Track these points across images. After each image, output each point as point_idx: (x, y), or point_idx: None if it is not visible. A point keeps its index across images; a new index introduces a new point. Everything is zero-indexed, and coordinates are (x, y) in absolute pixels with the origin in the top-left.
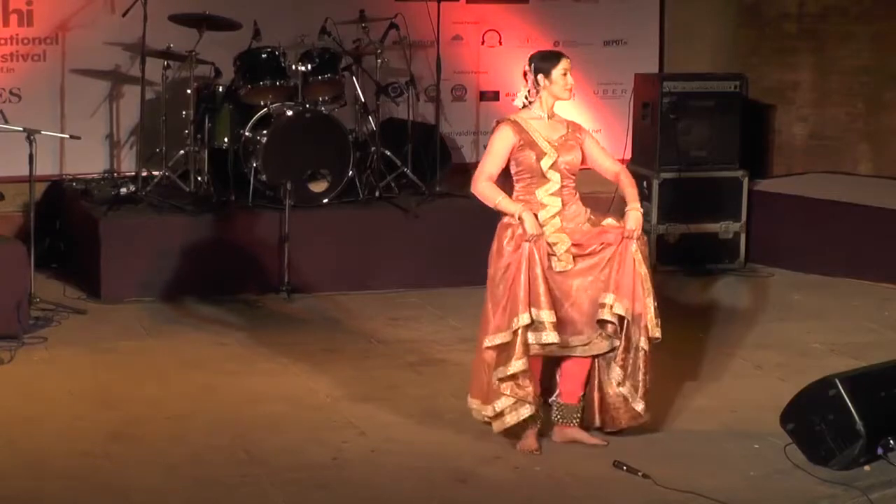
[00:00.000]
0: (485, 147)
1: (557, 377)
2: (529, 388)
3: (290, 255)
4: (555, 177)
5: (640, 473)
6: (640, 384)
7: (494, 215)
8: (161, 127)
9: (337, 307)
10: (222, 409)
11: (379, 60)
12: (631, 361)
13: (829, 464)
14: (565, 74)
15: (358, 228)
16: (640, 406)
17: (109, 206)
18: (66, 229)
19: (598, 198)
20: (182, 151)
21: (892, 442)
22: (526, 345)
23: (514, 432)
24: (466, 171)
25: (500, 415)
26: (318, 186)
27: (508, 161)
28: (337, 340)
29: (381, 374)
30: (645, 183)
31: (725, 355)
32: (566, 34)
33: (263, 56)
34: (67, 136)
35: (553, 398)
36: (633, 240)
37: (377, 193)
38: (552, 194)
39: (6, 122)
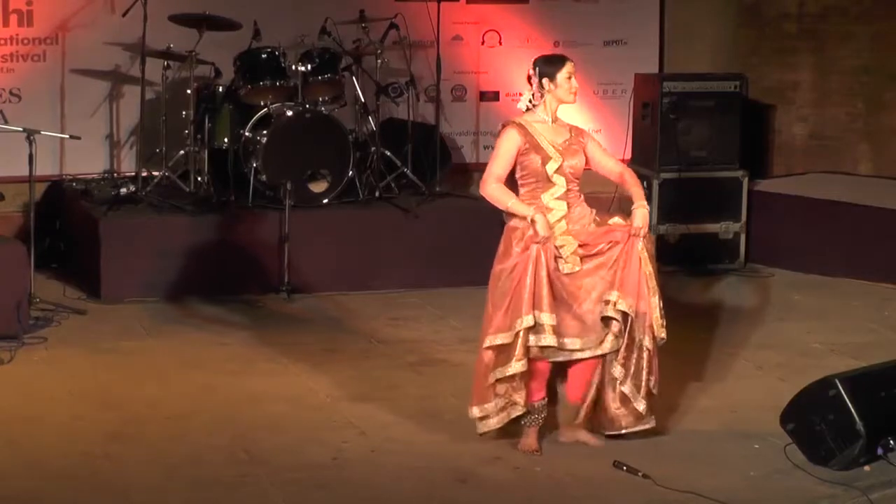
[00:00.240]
0: (485, 147)
1: (563, 377)
2: (523, 392)
3: (290, 255)
4: (560, 181)
5: (640, 473)
6: (643, 384)
7: (494, 216)
8: (161, 127)
9: (337, 307)
10: (222, 409)
11: (379, 60)
12: (634, 360)
13: (829, 464)
14: (570, 78)
15: (358, 228)
16: (641, 406)
17: (109, 206)
18: (66, 229)
19: (598, 198)
20: (182, 151)
21: (892, 442)
22: (526, 347)
23: (514, 432)
24: (466, 172)
25: (485, 417)
26: (318, 186)
27: (514, 164)
28: (337, 340)
29: (382, 374)
30: (645, 183)
31: (726, 355)
32: (566, 34)
33: (263, 56)
34: (67, 136)
35: (558, 397)
36: (640, 238)
37: (377, 193)
38: (557, 198)
39: (6, 122)
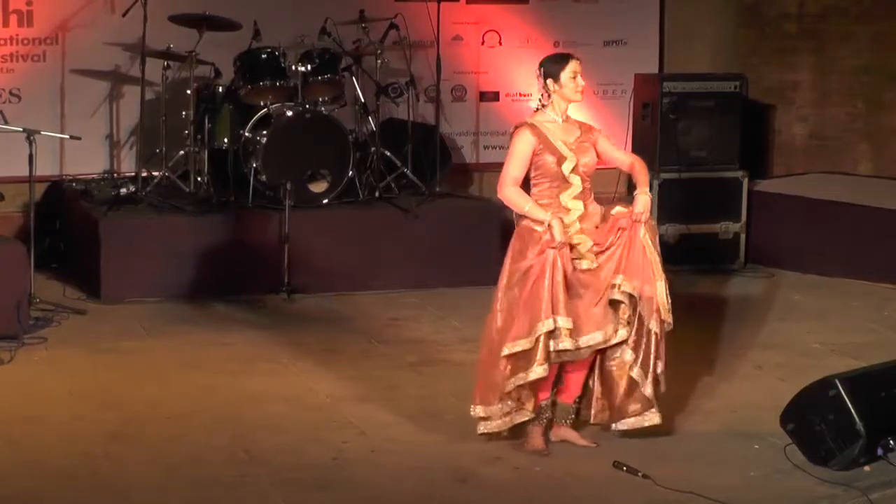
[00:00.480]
0: (485, 147)
1: (557, 377)
2: (534, 400)
3: (291, 255)
4: (576, 180)
5: (640, 474)
6: (650, 369)
7: (495, 216)
8: (161, 127)
9: (337, 307)
10: (222, 409)
11: (379, 61)
12: (644, 345)
13: (829, 464)
14: (574, 77)
15: (358, 228)
16: (648, 390)
17: (109, 207)
18: (66, 229)
19: (598, 198)
20: (182, 152)
21: (892, 442)
22: (548, 351)
23: (514, 432)
24: (466, 172)
25: (488, 418)
26: (318, 187)
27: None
28: (337, 340)
29: (382, 374)
30: None
31: (726, 355)
32: (566, 34)
33: (263, 56)
34: (67, 136)
35: (551, 396)
36: (642, 223)
37: (377, 194)
38: (575, 198)
39: (6, 122)
